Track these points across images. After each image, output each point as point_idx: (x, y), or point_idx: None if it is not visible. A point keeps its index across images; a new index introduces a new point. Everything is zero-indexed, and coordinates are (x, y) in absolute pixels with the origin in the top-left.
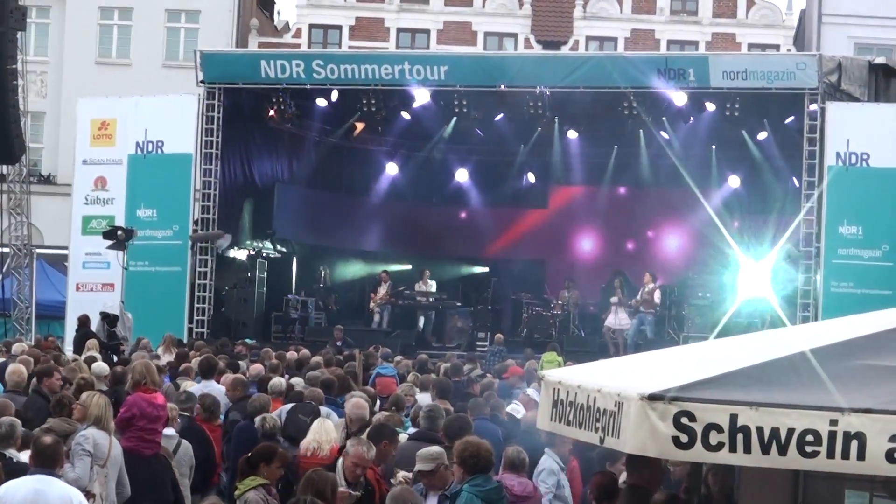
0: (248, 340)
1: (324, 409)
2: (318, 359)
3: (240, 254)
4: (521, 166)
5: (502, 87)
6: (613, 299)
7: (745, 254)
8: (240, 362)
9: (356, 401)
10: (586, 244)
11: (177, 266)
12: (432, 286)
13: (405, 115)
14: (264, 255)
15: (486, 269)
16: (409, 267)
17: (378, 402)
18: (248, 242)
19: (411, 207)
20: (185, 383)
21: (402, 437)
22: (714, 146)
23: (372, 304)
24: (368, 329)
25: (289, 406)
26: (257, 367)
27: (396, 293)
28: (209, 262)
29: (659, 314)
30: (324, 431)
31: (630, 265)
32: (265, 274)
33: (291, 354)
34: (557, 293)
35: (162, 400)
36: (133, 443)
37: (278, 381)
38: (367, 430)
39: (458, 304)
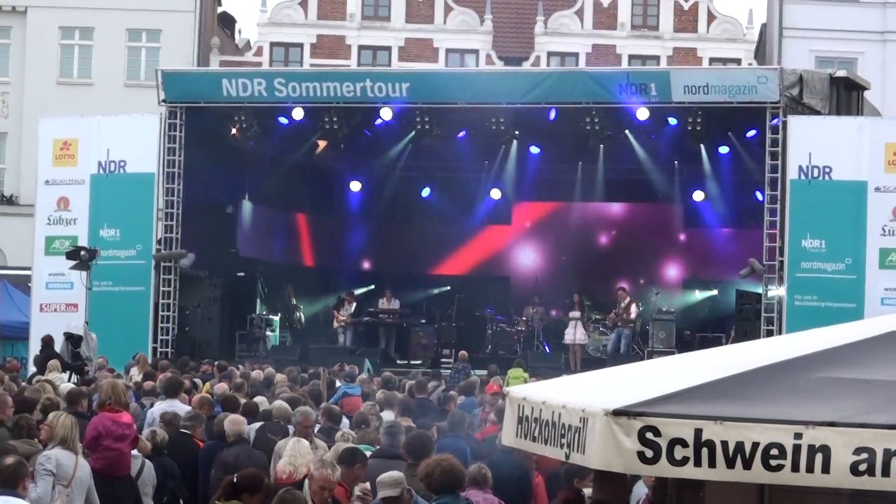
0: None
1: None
2: (282, 377)
3: (203, 273)
4: (484, 182)
5: (464, 104)
6: (573, 314)
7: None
8: (196, 380)
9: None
10: (551, 260)
11: (140, 286)
12: (395, 304)
13: (367, 132)
14: (228, 273)
15: (449, 287)
16: (372, 287)
17: (345, 420)
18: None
19: (375, 224)
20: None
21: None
22: (677, 161)
23: (335, 324)
24: (333, 347)
25: (257, 425)
26: (222, 386)
27: (358, 316)
28: (173, 282)
29: (634, 329)
30: (299, 454)
31: (594, 281)
32: (229, 292)
33: (257, 373)
34: (522, 310)
35: (128, 419)
36: (101, 464)
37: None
38: (340, 453)
39: (423, 320)
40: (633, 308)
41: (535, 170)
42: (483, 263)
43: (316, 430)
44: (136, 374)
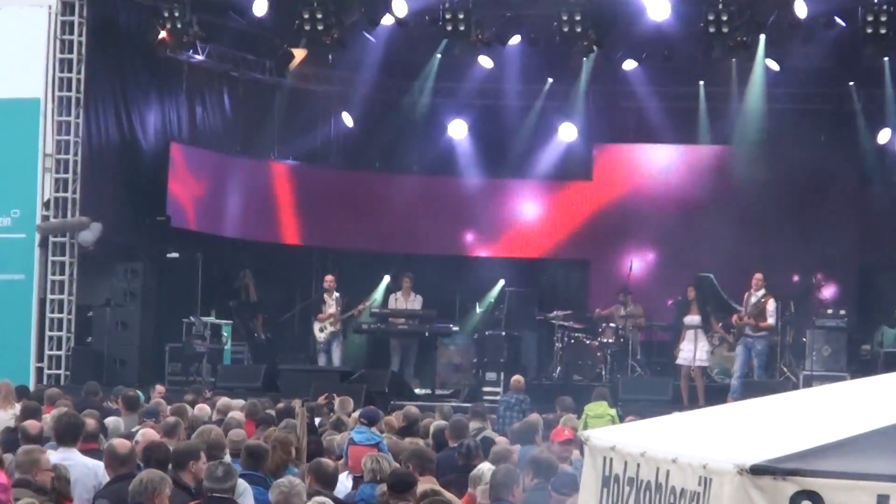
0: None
1: (241, 485)
2: (237, 414)
3: (115, 253)
4: (549, 116)
5: None
6: (689, 319)
7: None
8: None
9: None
10: (654, 236)
11: (17, 272)
12: (416, 301)
13: (369, 37)
14: (154, 255)
15: (497, 275)
16: (384, 275)
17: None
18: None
19: (378, 180)
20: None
21: None
22: (853, 83)
23: (318, 332)
24: (315, 369)
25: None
26: (149, 433)
27: (349, 317)
28: (68, 267)
29: (771, 340)
30: None
31: (721, 267)
32: (155, 285)
33: (202, 408)
34: (608, 311)
35: (4, 479)
36: None
37: None
38: None
39: (455, 328)
40: (771, 304)
41: (630, 96)
42: (547, 241)
43: None
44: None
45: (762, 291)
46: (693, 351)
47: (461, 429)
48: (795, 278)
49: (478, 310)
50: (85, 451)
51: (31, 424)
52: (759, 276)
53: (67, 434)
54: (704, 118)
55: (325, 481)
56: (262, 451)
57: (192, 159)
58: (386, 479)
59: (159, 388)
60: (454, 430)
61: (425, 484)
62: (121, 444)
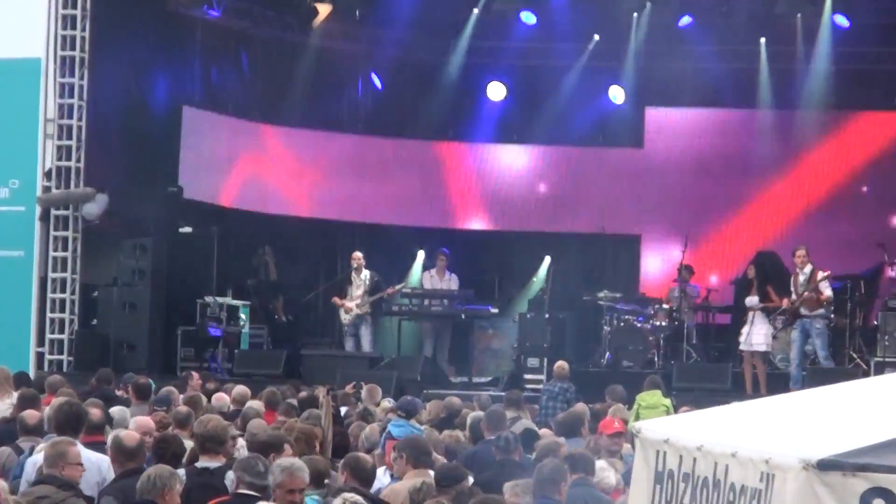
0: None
1: None
2: (255, 404)
3: (123, 228)
4: (595, 78)
5: None
6: (750, 300)
7: None
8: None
9: None
10: (710, 209)
11: (17, 248)
12: (451, 280)
13: None
14: (165, 229)
15: (538, 251)
16: (417, 251)
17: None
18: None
19: (407, 147)
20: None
21: None
22: None
23: (343, 314)
24: (341, 354)
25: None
26: (144, 421)
27: (378, 299)
28: (71, 243)
29: (830, 318)
30: None
31: (785, 244)
32: (166, 261)
33: (220, 396)
34: (664, 292)
35: None
36: None
37: None
38: None
39: (494, 309)
40: (822, 276)
41: (684, 55)
42: (593, 214)
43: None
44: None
45: (809, 267)
46: (750, 334)
47: (499, 420)
48: (863, 256)
49: (532, 284)
50: (88, 444)
51: (30, 415)
52: (801, 251)
53: (68, 425)
54: (766, 79)
55: (363, 477)
56: (280, 444)
57: (206, 125)
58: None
59: (196, 376)
60: (491, 420)
61: (420, 477)
62: (129, 436)
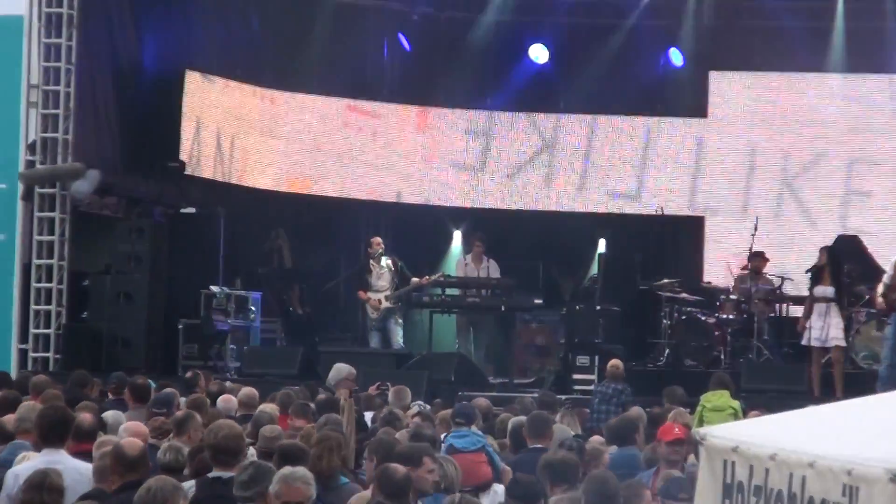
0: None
1: None
2: (268, 407)
3: (117, 207)
4: (651, 39)
5: None
6: (820, 289)
7: None
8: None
9: None
10: (783, 187)
11: None
12: (490, 268)
13: None
14: (164, 210)
15: (587, 235)
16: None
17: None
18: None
19: (441, 116)
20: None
21: None
22: None
23: (370, 310)
24: (364, 352)
25: None
26: (136, 427)
27: (405, 293)
28: (58, 225)
29: None
30: None
31: (870, 227)
32: (166, 246)
33: (227, 398)
34: (731, 282)
35: None
36: None
37: None
38: None
39: (537, 300)
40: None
41: (752, 12)
42: (649, 192)
43: None
44: None
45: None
46: (825, 329)
47: (544, 425)
48: None
49: (582, 272)
50: (77, 454)
51: (11, 420)
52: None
53: (53, 432)
54: (842, 40)
55: (393, 492)
56: (300, 453)
57: (212, 91)
58: (451, 487)
59: (204, 377)
60: (534, 426)
61: None
62: (131, 444)
